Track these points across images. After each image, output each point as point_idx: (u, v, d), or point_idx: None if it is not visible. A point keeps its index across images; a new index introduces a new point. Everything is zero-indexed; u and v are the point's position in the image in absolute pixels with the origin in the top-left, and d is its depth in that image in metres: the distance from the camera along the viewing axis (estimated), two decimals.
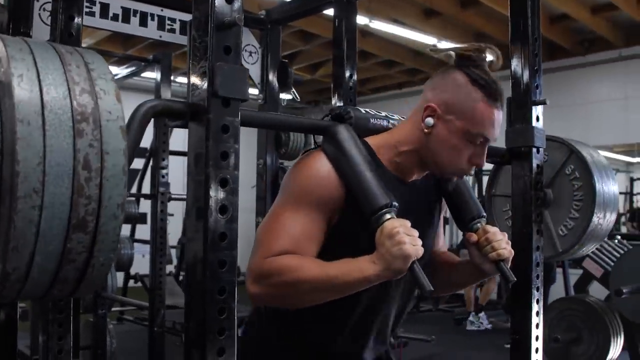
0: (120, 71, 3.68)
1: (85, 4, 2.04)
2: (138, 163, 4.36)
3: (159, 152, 3.46)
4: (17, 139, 0.68)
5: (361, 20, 5.72)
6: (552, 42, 6.94)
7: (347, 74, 1.75)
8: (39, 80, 0.72)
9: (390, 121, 1.29)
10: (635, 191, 8.28)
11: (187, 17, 2.37)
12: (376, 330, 1.26)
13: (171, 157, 3.54)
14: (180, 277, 5.89)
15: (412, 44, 7.19)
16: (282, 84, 2.42)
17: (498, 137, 1.21)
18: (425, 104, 1.18)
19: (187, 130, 0.93)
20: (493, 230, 1.21)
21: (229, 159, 0.89)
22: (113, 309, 4.55)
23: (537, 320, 1.43)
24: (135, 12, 2.30)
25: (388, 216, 1.08)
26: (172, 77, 3.55)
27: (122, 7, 2.25)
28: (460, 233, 1.42)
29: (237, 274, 0.91)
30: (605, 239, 3.38)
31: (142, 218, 5.06)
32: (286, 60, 2.49)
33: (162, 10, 2.39)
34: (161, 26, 2.41)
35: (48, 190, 0.70)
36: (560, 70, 7.37)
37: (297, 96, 2.62)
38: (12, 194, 0.68)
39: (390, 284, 1.08)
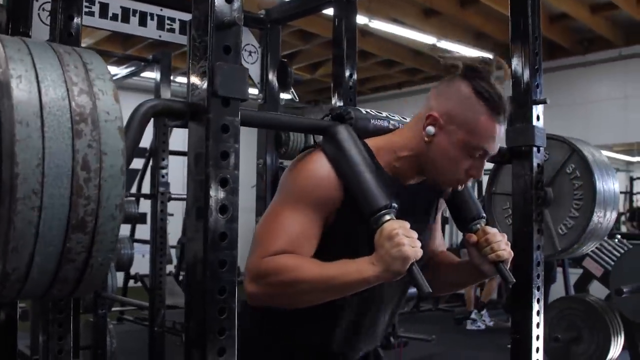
0: (119, 71, 3.68)
1: (85, 3, 2.04)
2: (138, 163, 4.37)
3: (158, 152, 3.45)
4: (16, 141, 0.68)
5: (361, 19, 5.71)
6: (552, 42, 6.94)
7: (347, 73, 1.75)
8: (38, 82, 0.72)
9: (391, 122, 1.28)
10: (635, 190, 8.28)
11: (187, 16, 2.37)
12: (365, 329, 1.27)
13: (171, 157, 3.54)
14: (181, 277, 5.89)
15: (412, 43, 7.19)
16: (282, 83, 2.42)
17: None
18: (428, 112, 1.17)
19: (187, 130, 0.93)
20: (493, 231, 1.21)
21: (229, 158, 0.89)
22: (113, 309, 4.55)
23: (537, 319, 1.42)
24: (134, 11, 2.30)
25: (387, 217, 1.08)
26: (171, 77, 3.55)
27: (121, 7, 2.25)
28: (461, 233, 1.42)
29: (237, 274, 0.91)
30: (606, 238, 3.38)
31: (142, 218, 5.06)
32: (286, 60, 2.48)
33: (161, 10, 2.39)
34: (161, 26, 2.41)
35: (47, 192, 0.70)
36: (560, 69, 7.38)
37: (296, 96, 2.62)
38: (12, 195, 0.68)
39: (382, 284, 1.08)
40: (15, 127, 0.69)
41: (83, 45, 2.05)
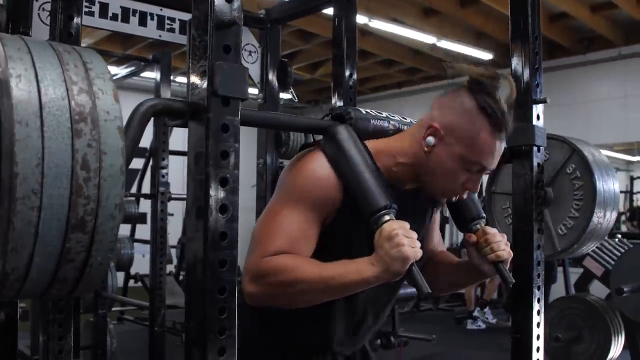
0: (119, 71, 3.68)
1: (85, 3, 2.03)
2: (138, 163, 4.37)
3: (158, 151, 3.45)
4: (16, 141, 0.68)
5: (360, 19, 5.71)
6: (552, 41, 6.94)
7: (347, 73, 1.75)
8: (37, 81, 0.72)
9: (391, 122, 1.28)
10: (635, 190, 8.28)
11: (187, 16, 2.37)
12: (352, 327, 1.27)
13: (171, 157, 3.54)
14: (181, 277, 5.88)
15: (412, 43, 7.19)
16: (282, 83, 2.42)
17: None
18: (430, 121, 1.16)
19: (186, 129, 0.93)
20: (492, 231, 1.21)
21: (229, 158, 0.88)
22: (113, 308, 4.55)
23: (538, 319, 1.42)
24: (134, 11, 2.30)
25: (387, 217, 1.08)
26: (171, 77, 3.55)
27: (121, 7, 2.24)
28: (461, 233, 1.42)
29: (237, 274, 0.91)
30: (606, 238, 3.38)
31: (142, 218, 5.06)
32: (286, 60, 2.48)
33: (161, 9, 2.39)
34: (160, 26, 2.41)
35: (47, 192, 0.70)
36: (560, 69, 7.38)
37: (295, 96, 2.62)
38: (11, 195, 0.68)
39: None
40: (15, 126, 0.68)
41: (83, 45, 2.05)
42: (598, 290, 3.77)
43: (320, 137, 1.21)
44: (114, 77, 0.82)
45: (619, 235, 4.06)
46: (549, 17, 6.56)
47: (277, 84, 2.42)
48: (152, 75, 3.52)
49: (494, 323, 6.10)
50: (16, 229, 0.69)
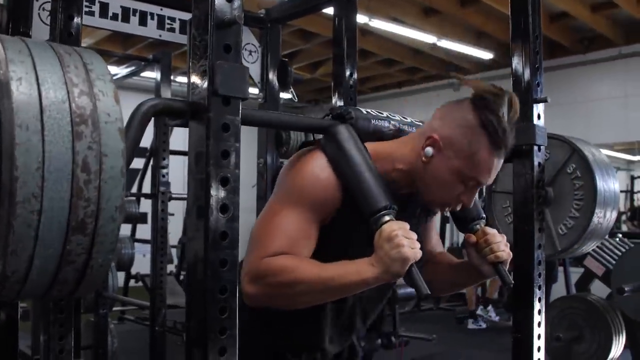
0: (119, 71, 3.68)
1: (85, 3, 2.03)
2: (138, 162, 4.36)
3: (159, 151, 3.46)
4: (16, 145, 0.68)
5: (361, 19, 5.71)
6: (552, 41, 6.93)
7: (348, 72, 1.75)
8: (38, 84, 0.72)
9: (392, 122, 1.28)
10: (635, 189, 8.27)
11: (187, 16, 2.37)
12: (342, 326, 1.28)
13: (171, 157, 3.54)
14: (181, 277, 5.88)
15: (412, 42, 7.19)
16: (282, 83, 2.42)
17: None
18: (430, 131, 1.16)
19: (187, 129, 0.93)
20: (492, 232, 1.21)
21: (230, 157, 0.88)
22: (114, 308, 4.55)
23: (539, 318, 1.42)
24: (134, 11, 2.30)
25: (387, 218, 1.08)
26: (172, 77, 3.55)
27: (121, 7, 2.24)
28: (461, 233, 1.42)
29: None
30: (607, 237, 3.38)
31: (142, 218, 5.06)
32: (286, 59, 2.48)
33: (161, 9, 2.39)
34: (161, 25, 2.41)
35: (47, 195, 0.70)
36: (561, 68, 7.37)
37: (295, 96, 2.61)
38: (11, 199, 0.68)
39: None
40: (15, 130, 0.68)
41: (83, 45, 2.05)
42: (599, 289, 3.76)
43: (320, 136, 1.21)
44: (114, 77, 0.82)
45: (620, 235, 4.06)
46: (549, 17, 6.56)
47: (277, 84, 2.42)
48: (152, 75, 3.52)
49: (497, 321, 6.10)
50: (16, 232, 0.69)
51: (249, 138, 1.48)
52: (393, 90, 9.76)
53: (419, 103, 9.16)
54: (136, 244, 4.88)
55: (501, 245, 1.19)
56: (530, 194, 1.45)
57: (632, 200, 8.14)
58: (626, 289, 2.83)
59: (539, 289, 1.43)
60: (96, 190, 0.73)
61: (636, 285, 2.89)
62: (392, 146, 1.22)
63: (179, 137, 3.56)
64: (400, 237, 1.03)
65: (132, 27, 2.30)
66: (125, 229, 4.95)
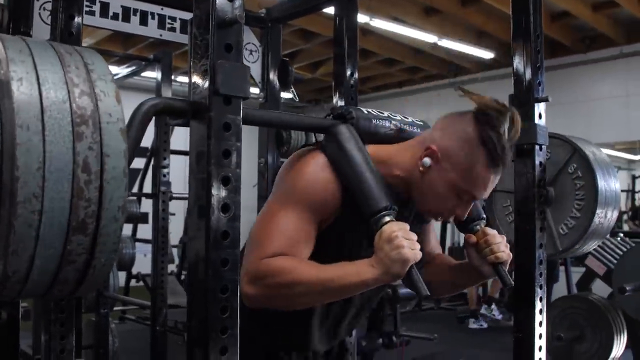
0: (120, 71, 3.68)
1: (85, 3, 2.04)
2: (139, 162, 4.36)
3: (160, 151, 3.46)
4: (17, 145, 0.68)
5: (361, 18, 5.71)
6: (553, 40, 6.92)
7: (348, 72, 1.75)
8: (39, 84, 0.72)
9: (392, 121, 1.28)
10: (637, 189, 8.26)
11: (188, 15, 2.37)
12: (330, 325, 1.29)
13: (172, 156, 3.54)
14: (182, 277, 5.89)
15: (413, 42, 7.18)
16: (283, 82, 2.41)
17: None
18: (430, 142, 1.16)
19: (188, 129, 0.93)
20: (492, 232, 1.21)
21: (231, 157, 0.88)
22: (115, 308, 4.55)
23: (540, 318, 1.42)
24: (135, 11, 2.30)
25: (387, 218, 1.08)
26: (172, 77, 3.55)
27: (122, 6, 2.24)
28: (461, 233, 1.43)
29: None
30: (608, 237, 3.37)
31: (143, 217, 5.06)
32: (287, 59, 2.48)
33: (162, 9, 2.39)
34: (161, 25, 2.40)
35: (48, 195, 0.70)
36: (562, 67, 7.36)
37: (296, 96, 2.61)
38: (12, 199, 0.68)
39: None
40: (16, 130, 0.68)
41: (84, 45, 2.05)
42: (600, 289, 3.76)
43: (322, 137, 1.21)
44: (115, 77, 0.83)
45: (621, 234, 4.05)
46: (550, 16, 6.55)
47: (278, 83, 2.42)
48: (153, 75, 3.52)
49: (500, 319, 6.11)
50: (17, 232, 0.69)
51: (250, 138, 1.48)
52: (394, 90, 9.75)
53: (420, 103, 9.16)
54: (137, 243, 4.88)
55: (501, 246, 1.19)
56: (531, 193, 1.45)
57: (633, 199, 8.13)
58: (627, 288, 2.82)
59: (540, 288, 1.43)
60: (97, 191, 0.73)
61: (637, 284, 2.89)
62: (392, 151, 1.22)
63: (180, 137, 3.56)
64: (401, 238, 1.03)
65: (133, 26, 2.30)
66: (126, 229, 4.94)
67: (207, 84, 0.88)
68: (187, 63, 1.15)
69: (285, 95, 2.60)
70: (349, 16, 1.77)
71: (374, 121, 1.25)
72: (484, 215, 1.27)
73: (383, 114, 1.29)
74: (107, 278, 3.60)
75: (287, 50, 7.16)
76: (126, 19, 2.27)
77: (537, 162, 1.45)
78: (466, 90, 1.17)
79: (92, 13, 2.13)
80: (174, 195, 3.56)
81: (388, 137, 1.26)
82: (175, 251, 6.20)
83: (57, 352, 1.46)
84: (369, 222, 1.10)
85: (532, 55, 1.47)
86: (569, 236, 1.71)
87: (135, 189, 4.84)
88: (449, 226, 6.93)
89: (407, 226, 1.06)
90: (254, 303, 1.10)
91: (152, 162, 3.78)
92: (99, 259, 0.76)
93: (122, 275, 5.04)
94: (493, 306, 6.17)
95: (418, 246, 1.04)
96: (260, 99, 2.46)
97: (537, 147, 1.45)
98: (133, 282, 5.61)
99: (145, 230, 4.73)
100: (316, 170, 1.14)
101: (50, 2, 1.71)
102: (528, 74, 1.47)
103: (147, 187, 4.13)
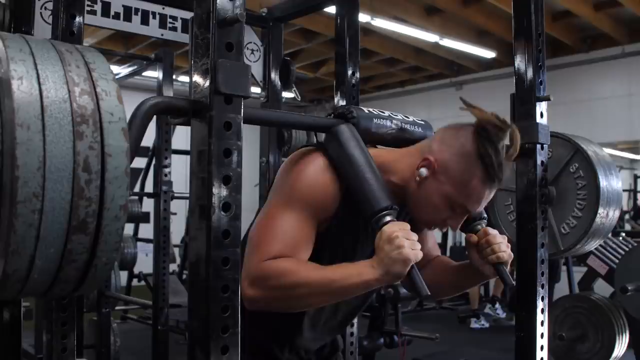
0: (121, 70, 3.68)
1: (87, 2, 2.04)
2: (141, 162, 4.37)
3: (161, 150, 3.46)
4: (17, 144, 0.68)
5: (363, 18, 5.70)
6: (555, 39, 6.91)
7: (350, 71, 1.74)
8: (39, 83, 0.72)
9: (394, 121, 1.28)
10: (639, 188, 8.25)
11: (189, 15, 2.37)
12: (320, 328, 1.30)
13: (174, 156, 3.54)
14: (184, 276, 5.90)
15: (414, 41, 7.17)
16: (285, 82, 2.41)
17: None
18: (428, 152, 1.16)
19: (189, 128, 0.93)
20: (493, 232, 1.21)
21: (232, 156, 0.88)
22: (117, 307, 4.56)
23: (542, 317, 1.42)
24: (136, 10, 2.30)
25: (388, 218, 1.08)
26: (174, 76, 3.55)
27: (123, 6, 2.24)
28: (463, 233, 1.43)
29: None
30: (610, 236, 3.37)
31: (145, 217, 5.07)
32: (288, 58, 2.48)
33: (163, 8, 2.39)
34: (163, 24, 2.41)
35: (48, 194, 0.70)
36: (563, 67, 7.35)
37: (298, 95, 2.61)
38: (12, 198, 0.68)
39: None
40: (16, 130, 0.68)
41: (85, 45, 2.05)
42: (602, 288, 3.75)
43: (322, 136, 1.21)
44: (116, 77, 0.83)
45: (623, 234, 4.05)
46: (552, 15, 6.54)
47: (279, 83, 2.42)
48: (154, 74, 3.52)
49: (503, 317, 6.11)
50: (17, 232, 0.69)
51: (252, 138, 1.48)
52: (395, 90, 9.75)
53: (422, 101, 9.15)
54: (139, 243, 4.89)
55: (502, 245, 1.19)
56: (533, 192, 1.45)
57: (635, 199, 8.11)
58: (629, 287, 2.82)
59: (542, 287, 1.43)
60: (98, 190, 0.73)
61: (639, 284, 2.88)
62: (390, 157, 1.22)
63: (182, 137, 3.57)
64: (401, 238, 1.03)
65: (134, 26, 2.30)
66: (128, 228, 4.95)
67: (207, 83, 0.88)
68: (188, 63, 1.15)
69: (287, 94, 2.60)
70: (350, 15, 1.76)
71: (375, 120, 1.25)
72: (485, 215, 1.27)
73: (384, 113, 1.28)
74: (109, 277, 3.61)
75: (288, 50, 7.16)
76: (127, 18, 2.27)
77: (538, 161, 1.45)
78: (468, 103, 1.17)
79: (93, 12, 2.14)
80: (176, 195, 3.56)
81: (389, 136, 1.26)
82: (176, 251, 6.20)
83: (59, 351, 1.46)
84: (369, 221, 1.09)
85: (534, 54, 1.46)
86: (571, 235, 1.70)
87: (136, 189, 4.85)
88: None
89: (408, 226, 1.06)
90: (255, 305, 1.09)
91: (153, 162, 3.79)
92: (100, 258, 0.76)
93: (123, 275, 5.04)
94: (497, 305, 6.18)
95: (419, 246, 1.04)
96: (262, 99, 2.46)
97: (538, 146, 1.44)
98: (135, 282, 5.62)
99: (146, 230, 4.74)
100: (316, 172, 1.14)
101: (51, 1, 1.71)
102: (530, 73, 1.47)
103: (149, 187, 4.13)
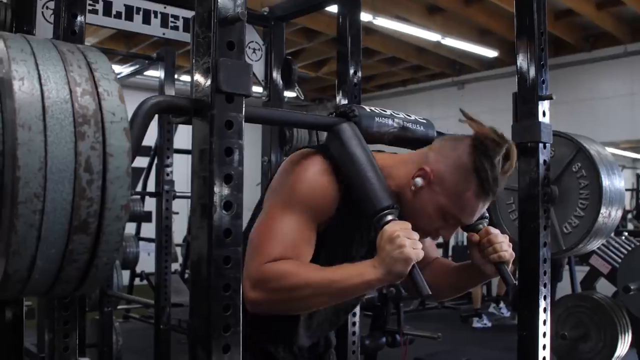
0: (123, 69, 3.68)
1: (89, 1, 2.04)
2: (143, 161, 4.38)
3: (163, 150, 3.46)
4: (18, 145, 0.68)
5: (365, 17, 5.70)
6: (557, 38, 6.90)
7: (352, 70, 1.74)
8: (40, 83, 0.71)
9: (395, 119, 1.28)
10: None
11: (191, 14, 2.37)
12: (314, 328, 1.30)
13: (175, 155, 3.54)
14: (186, 275, 5.90)
15: (416, 40, 7.17)
16: (287, 81, 2.41)
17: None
18: (425, 163, 1.16)
19: (191, 127, 0.93)
20: (495, 232, 1.21)
21: (233, 155, 0.88)
22: (119, 307, 4.56)
23: (544, 316, 1.41)
24: (138, 9, 2.30)
25: (390, 217, 1.08)
26: (176, 75, 3.55)
27: (125, 5, 2.24)
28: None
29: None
30: (612, 236, 3.36)
31: (147, 216, 5.07)
32: (290, 57, 2.47)
33: (165, 7, 2.39)
34: (164, 24, 2.41)
35: (49, 195, 0.70)
36: (566, 66, 7.34)
37: (301, 94, 2.60)
38: (13, 199, 0.68)
39: None
40: (18, 130, 0.68)
41: (86, 44, 2.05)
42: (604, 288, 3.74)
43: (323, 136, 1.21)
44: (118, 76, 0.83)
45: (626, 233, 4.04)
46: (554, 14, 6.53)
47: (281, 82, 2.42)
48: (156, 73, 3.52)
49: (507, 316, 6.11)
50: (18, 232, 0.69)
51: (253, 137, 1.48)
52: (397, 89, 9.74)
53: (424, 101, 9.14)
54: (141, 242, 4.90)
55: (504, 245, 1.19)
56: (535, 191, 1.44)
57: (637, 198, 8.09)
58: (632, 287, 2.81)
59: (545, 287, 1.42)
60: (99, 190, 0.73)
61: None
62: (388, 162, 1.22)
63: (183, 136, 3.56)
64: (402, 237, 1.03)
65: (136, 25, 2.30)
66: (130, 228, 4.96)
67: (209, 82, 0.88)
68: (190, 62, 1.15)
69: (289, 94, 2.59)
70: (352, 15, 1.76)
71: (376, 119, 1.25)
72: (487, 215, 1.26)
73: (386, 112, 1.28)
74: (111, 277, 3.62)
75: (290, 49, 7.15)
76: (129, 17, 2.27)
77: (541, 160, 1.44)
78: (468, 115, 1.17)
79: (95, 12, 2.14)
80: (178, 194, 3.57)
81: (391, 135, 1.26)
82: (178, 250, 6.21)
83: (61, 350, 1.46)
84: (371, 220, 1.09)
85: (536, 53, 1.46)
86: (573, 235, 1.70)
87: (138, 188, 4.85)
88: None
89: (409, 225, 1.06)
90: (257, 308, 1.09)
91: (155, 161, 3.79)
92: (101, 258, 0.76)
93: (125, 274, 5.05)
94: (501, 304, 6.19)
95: (420, 245, 1.04)
96: (264, 98, 2.46)
97: (541, 145, 1.44)
98: (137, 281, 5.63)
99: (148, 229, 4.75)
100: (315, 174, 1.14)
101: (53, 0, 1.71)
102: (532, 72, 1.46)
103: (151, 186, 4.13)
